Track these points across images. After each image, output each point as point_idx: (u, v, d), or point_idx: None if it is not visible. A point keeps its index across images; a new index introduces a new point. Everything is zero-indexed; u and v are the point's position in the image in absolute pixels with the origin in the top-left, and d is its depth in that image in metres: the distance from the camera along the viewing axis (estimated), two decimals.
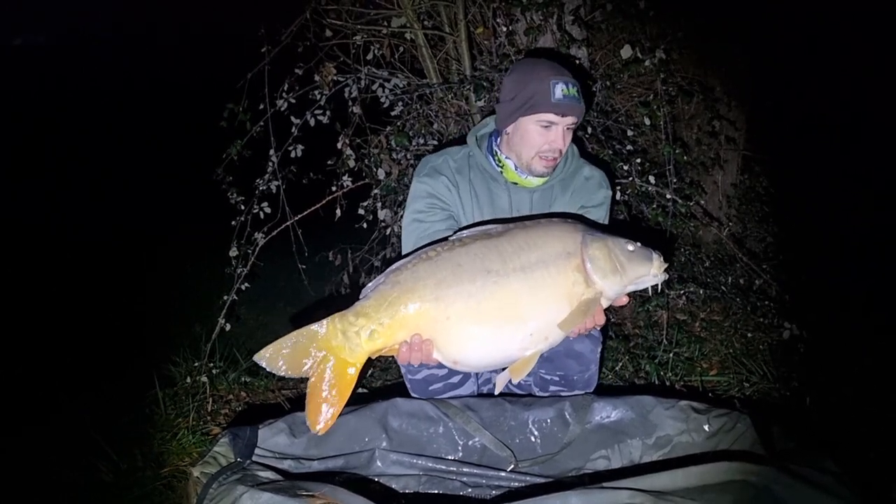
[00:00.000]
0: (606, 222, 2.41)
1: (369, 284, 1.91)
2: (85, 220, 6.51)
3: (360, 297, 1.90)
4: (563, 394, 2.39)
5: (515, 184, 2.36)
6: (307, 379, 1.85)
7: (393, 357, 2.04)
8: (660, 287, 1.98)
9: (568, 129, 2.22)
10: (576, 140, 2.49)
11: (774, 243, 4.40)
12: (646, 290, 1.98)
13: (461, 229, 2.10)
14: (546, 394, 2.43)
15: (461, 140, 2.56)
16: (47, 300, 4.65)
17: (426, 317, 1.83)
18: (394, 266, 1.93)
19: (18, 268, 5.25)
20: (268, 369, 1.83)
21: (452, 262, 1.87)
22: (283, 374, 1.84)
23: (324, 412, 1.82)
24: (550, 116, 2.17)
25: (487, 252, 1.88)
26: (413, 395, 2.39)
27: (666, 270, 1.94)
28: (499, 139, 2.35)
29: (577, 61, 3.54)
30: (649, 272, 1.90)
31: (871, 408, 2.70)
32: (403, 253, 2.39)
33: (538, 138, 2.21)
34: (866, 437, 2.48)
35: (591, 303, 1.86)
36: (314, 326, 1.84)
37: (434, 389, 2.36)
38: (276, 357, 1.82)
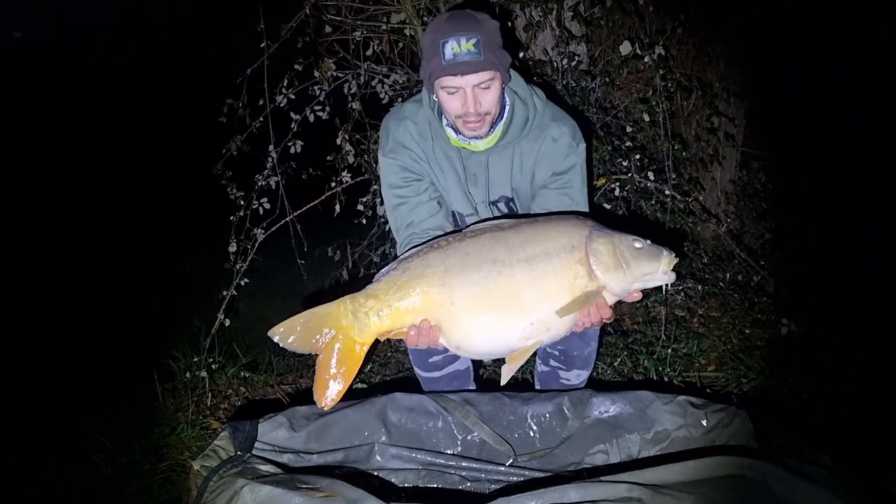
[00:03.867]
0: (585, 180, 2.31)
1: (382, 270, 1.99)
2: (84, 216, 6.50)
3: (373, 281, 1.97)
4: (560, 373, 2.46)
5: (464, 148, 2.28)
6: (314, 358, 1.94)
7: (392, 351, 2.07)
8: (668, 286, 1.97)
9: (481, 87, 2.03)
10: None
11: (772, 240, 4.41)
12: (659, 288, 1.97)
13: (476, 223, 2.10)
14: (546, 367, 2.49)
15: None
16: (47, 296, 4.66)
17: (432, 301, 1.89)
18: (406, 254, 2.01)
19: (19, 265, 5.25)
20: (280, 345, 1.92)
21: (461, 251, 1.93)
22: (294, 349, 1.94)
23: (331, 388, 1.92)
24: (449, 80, 2.02)
25: (495, 243, 1.92)
26: (414, 365, 2.45)
27: (676, 270, 1.93)
28: None
29: (577, 58, 3.55)
30: (657, 270, 1.88)
31: (868, 403, 2.71)
32: (395, 232, 2.38)
33: (450, 104, 2.08)
34: (863, 433, 2.49)
35: (592, 295, 1.87)
36: (326, 306, 1.93)
37: (434, 362, 2.40)
38: (288, 333, 1.91)
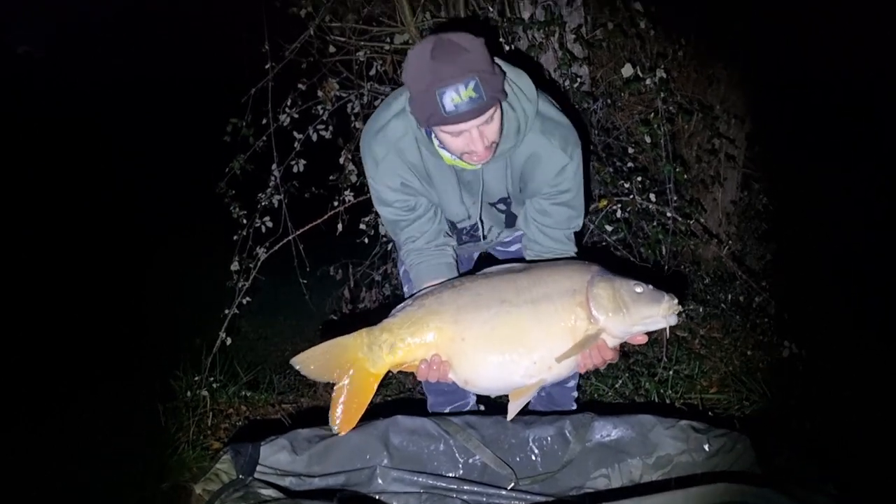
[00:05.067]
0: (581, 183, 2.27)
1: (398, 306, 2.06)
2: (86, 232, 6.51)
3: (389, 315, 2.04)
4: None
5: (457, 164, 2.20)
6: (331, 385, 2.01)
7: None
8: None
9: (486, 123, 1.93)
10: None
11: (774, 261, 4.41)
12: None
13: (489, 267, 2.13)
14: None
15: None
16: (49, 313, 4.66)
17: (444, 336, 1.96)
18: (422, 291, 2.10)
19: (18, 267, 5.25)
20: (301, 373, 2.00)
21: (473, 291, 2.00)
22: (313, 378, 2.05)
23: (346, 416, 1.99)
24: (452, 128, 1.91)
25: (505, 285, 1.99)
26: None
27: (680, 314, 1.97)
28: None
29: (579, 79, 3.57)
30: (657, 314, 1.92)
31: (872, 427, 2.70)
32: (392, 236, 2.43)
33: (454, 144, 1.99)
34: (867, 458, 2.49)
35: (591, 338, 1.93)
36: (344, 338, 2.00)
37: None
38: (308, 363, 1.99)
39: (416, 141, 2.16)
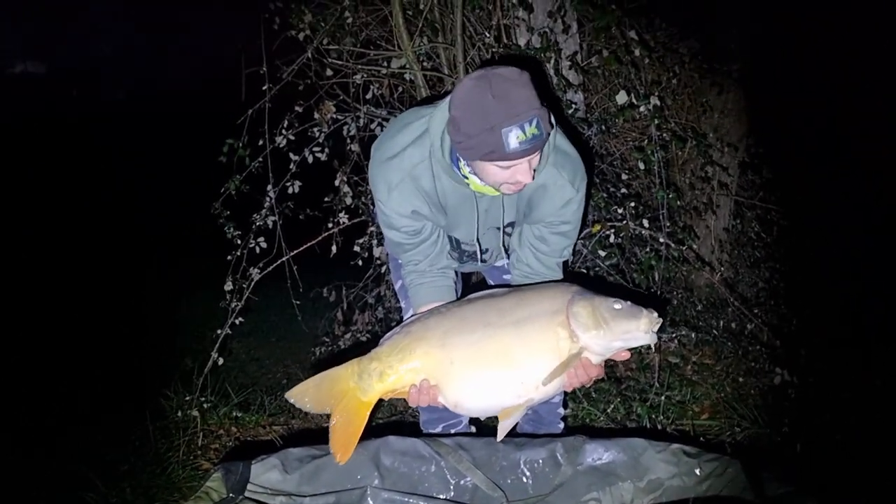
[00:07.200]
0: (581, 215, 2.29)
1: (386, 335, 2.10)
2: (82, 245, 6.51)
3: (378, 345, 2.08)
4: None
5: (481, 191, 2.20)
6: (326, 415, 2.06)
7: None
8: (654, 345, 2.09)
9: (536, 156, 1.96)
10: None
11: (766, 288, 4.43)
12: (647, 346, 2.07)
13: (472, 294, 2.16)
14: None
15: (429, 102, 2.28)
16: (40, 330, 4.64)
17: (432, 360, 2.00)
18: (408, 319, 2.15)
19: (11, 303, 5.23)
20: (297, 406, 2.06)
21: (458, 315, 2.07)
22: (308, 410, 2.10)
23: (342, 444, 2.03)
24: (510, 162, 1.92)
25: (488, 308, 2.05)
26: None
27: (661, 330, 2.02)
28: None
29: (574, 105, 3.61)
30: (638, 328, 1.94)
31: (862, 454, 2.70)
32: (394, 255, 2.45)
33: (499, 175, 1.98)
34: (857, 485, 2.49)
35: (574, 357, 1.96)
36: (335, 369, 2.06)
37: None
38: (302, 396, 2.05)
39: (433, 168, 2.15)
